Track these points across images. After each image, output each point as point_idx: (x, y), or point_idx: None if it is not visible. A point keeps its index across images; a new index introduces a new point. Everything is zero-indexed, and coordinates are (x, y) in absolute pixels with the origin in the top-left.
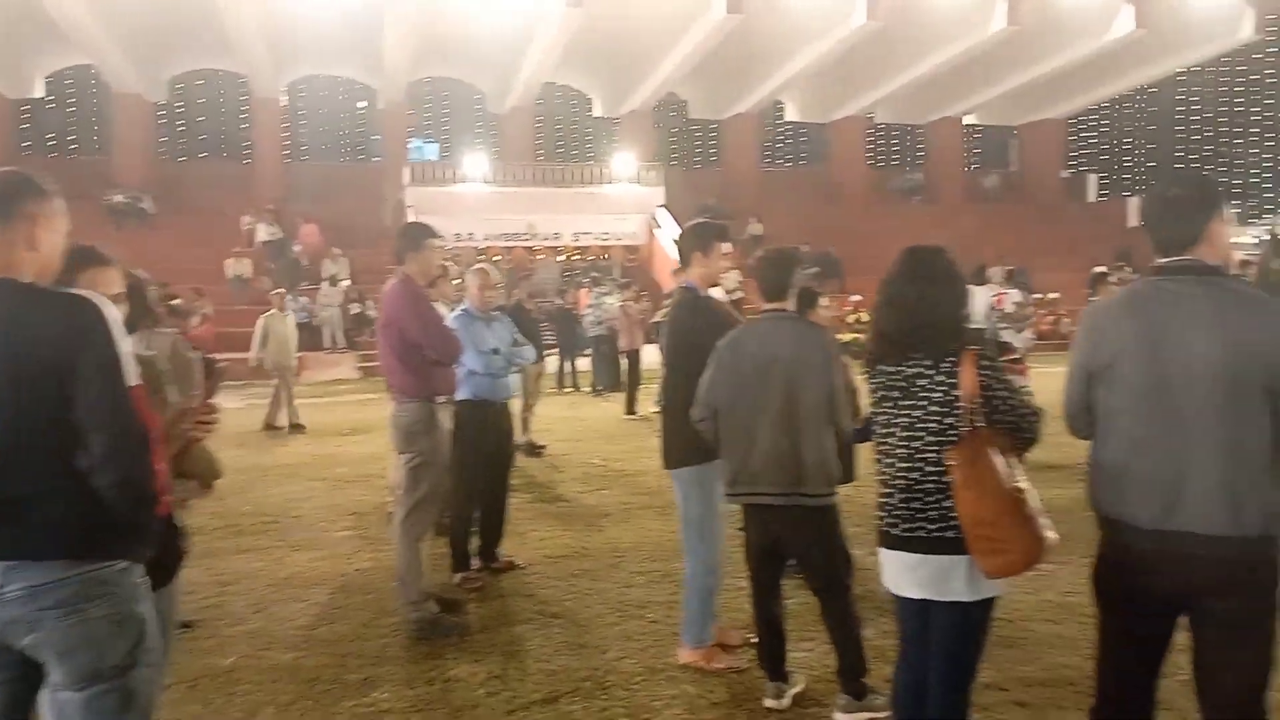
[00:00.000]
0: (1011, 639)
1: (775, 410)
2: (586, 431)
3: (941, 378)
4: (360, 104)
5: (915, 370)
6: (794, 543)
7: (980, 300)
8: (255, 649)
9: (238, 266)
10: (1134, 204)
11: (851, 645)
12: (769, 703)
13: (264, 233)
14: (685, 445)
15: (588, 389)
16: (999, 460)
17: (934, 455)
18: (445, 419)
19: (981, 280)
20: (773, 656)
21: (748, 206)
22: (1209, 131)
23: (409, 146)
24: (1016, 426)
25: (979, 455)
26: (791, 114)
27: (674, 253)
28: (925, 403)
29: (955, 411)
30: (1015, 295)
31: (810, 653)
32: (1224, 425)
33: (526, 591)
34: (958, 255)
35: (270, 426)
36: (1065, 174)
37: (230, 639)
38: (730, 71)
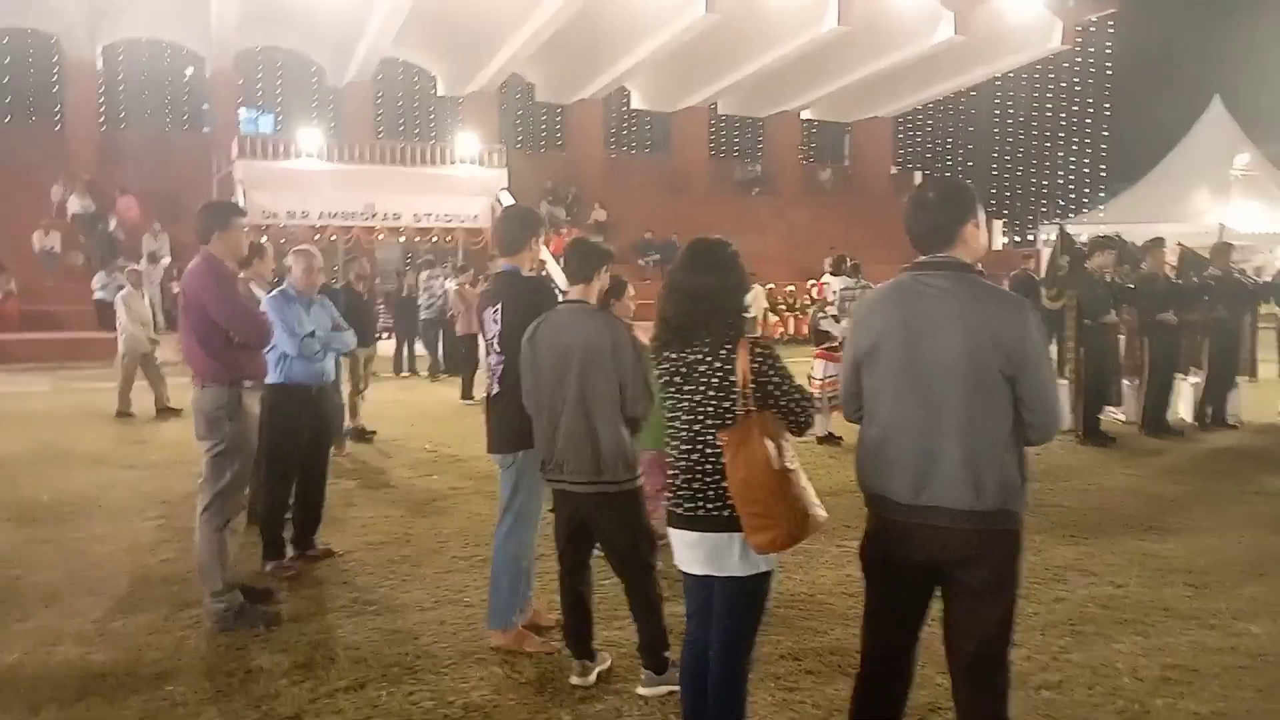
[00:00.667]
0: (810, 612)
1: (573, 399)
2: (421, 416)
3: (719, 364)
4: (188, 70)
5: (696, 356)
6: (598, 526)
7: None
8: (42, 645)
9: (46, 240)
10: None
11: (653, 622)
12: (575, 680)
13: (76, 204)
14: (510, 429)
15: (426, 373)
16: (769, 442)
17: (713, 438)
18: (253, 404)
19: (839, 271)
20: (579, 636)
21: (592, 192)
22: (1023, 134)
23: (240, 118)
24: (790, 411)
25: (749, 437)
26: (637, 101)
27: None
28: (705, 388)
29: (732, 396)
30: (835, 284)
31: (621, 631)
32: (967, 408)
33: (342, 579)
34: (807, 250)
35: (123, 414)
36: (894, 170)
37: (15, 635)
38: (576, 56)
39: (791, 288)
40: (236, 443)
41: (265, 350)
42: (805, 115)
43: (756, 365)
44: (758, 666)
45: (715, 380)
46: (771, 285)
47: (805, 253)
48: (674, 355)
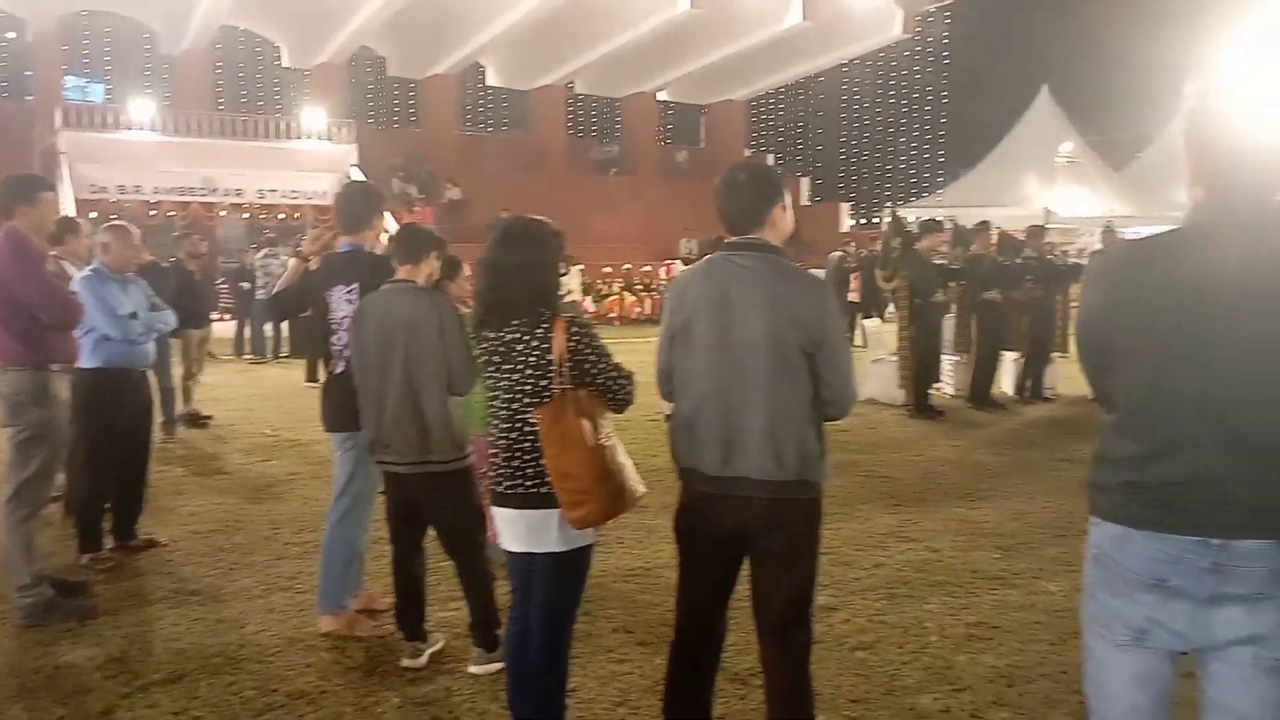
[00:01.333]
0: (647, 586)
1: (399, 379)
2: (261, 400)
3: (536, 342)
4: (8, 35)
5: (514, 335)
6: (427, 506)
7: None
8: None
9: None
10: (805, 184)
11: (484, 601)
12: (406, 662)
13: None
14: (349, 408)
15: (270, 355)
16: (584, 420)
17: (531, 416)
18: (62, 389)
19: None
20: (411, 617)
21: (447, 170)
22: (868, 120)
23: (66, 85)
24: (608, 389)
25: (563, 414)
26: (493, 78)
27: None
28: (523, 366)
29: (549, 375)
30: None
31: (456, 612)
32: (770, 382)
33: (165, 570)
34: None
35: None
36: (748, 152)
37: None
38: (429, 29)
39: (648, 268)
40: (43, 429)
41: (82, 333)
42: (661, 96)
43: (573, 344)
44: (589, 640)
45: (533, 359)
46: (629, 265)
47: (662, 233)
48: (492, 335)
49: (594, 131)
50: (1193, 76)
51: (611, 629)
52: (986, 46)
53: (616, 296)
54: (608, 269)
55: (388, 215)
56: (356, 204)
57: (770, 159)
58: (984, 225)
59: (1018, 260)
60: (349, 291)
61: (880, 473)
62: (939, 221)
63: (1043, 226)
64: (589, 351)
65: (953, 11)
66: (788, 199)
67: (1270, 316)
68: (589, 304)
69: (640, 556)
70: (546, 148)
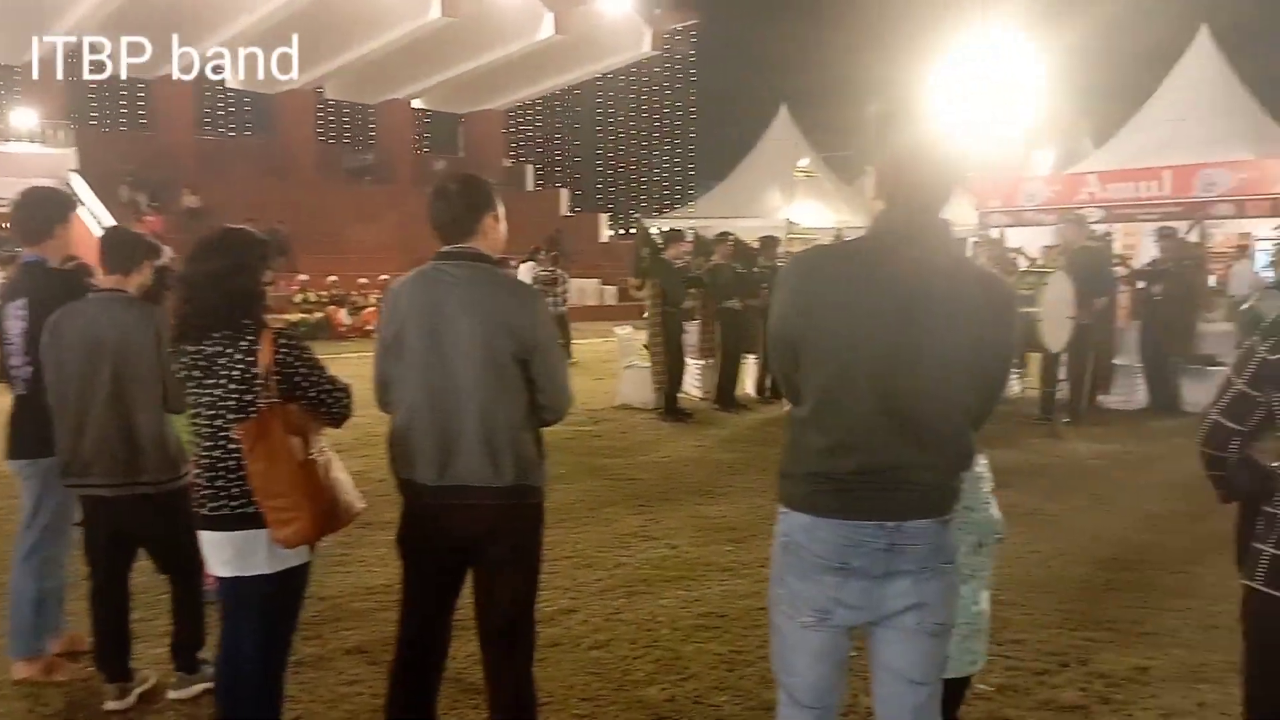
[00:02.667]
0: (386, 604)
1: (104, 396)
2: None
3: (240, 356)
4: None
5: (215, 349)
6: (139, 530)
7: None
8: None
9: None
10: (565, 195)
11: (194, 623)
12: (110, 705)
13: None
14: (35, 433)
15: None
16: (293, 435)
17: (234, 432)
18: None
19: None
20: (114, 655)
21: (183, 176)
22: (623, 133)
23: None
24: (320, 402)
25: (268, 430)
26: (233, 81)
27: (93, 223)
28: (225, 381)
29: (254, 389)
30: (524, 271)
31: (167, 649)
32: (484, 390)
33: None
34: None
35: None
36: (507, 163)
37: None
38: (157, 26)
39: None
40: None
41: None
42: (417, 104)
43: (281, 356)
44: (320, 663)
45: (236, 373)
46: (385, 276)
47: (420, 243)
48: (191, 348)
49: (346, 138)
50: (876, 97)
51: (344, 650)
52: (731, 67)
53: (374, 308)
54: (364, 280)
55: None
56: (34, 211)
57: (529, 170)
58: (724, 235)
59: (754, 269)
60: (18, 308)
61: (628, 475)
62: (681, 231)
63: (774, 237)
64: (299, 364)
65: (697, 31)
66: (500, 210)
67: (937, 317)
68: (344, 316)
69: (381, 574)
70: (295, 154)
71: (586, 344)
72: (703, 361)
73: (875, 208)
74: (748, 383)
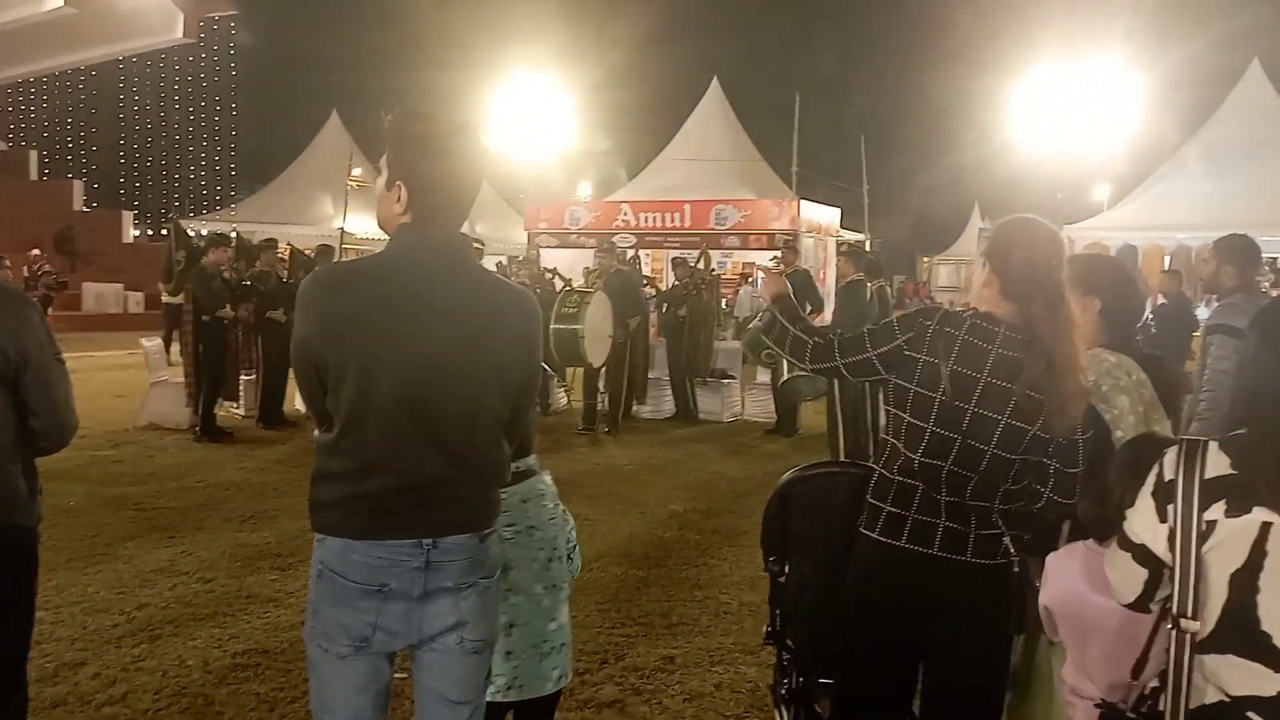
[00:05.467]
0: None
1: None
2: None
3: None
4: None
5: None
6: None
7: None
8: None
9: None
10: (79, 186)
11: None
12: None
13: None
14: None
15: None
16: None
17: None
18: None
19: None
20: None
21: None
22: (154, 125)
23: None
24: None
25: None
26: None
27: None
28: None
29: None
30: None
31: None
32: None
33: None
34: None
35: None
36: (3, 147)
37: None
38: None
39: None
40: None
41: None
42: None
43: None
44: None
45: None
46: None
47: None
48: None
49: None
50: (395, 106)
51: None
52: (279, 66)
53: None
54: None
55: None
56: None
57: (34, 156)
58: (271, 242)
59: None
60: None
61: (155, 504)
62: (226, 236)
63: (331, 246)
64: None
65: (238, 23)
66: None
67: (466, 331)
68: None
69: None
70: None
71: (107, 356)
72: (247, 375)
73: (401, 222)
74: (297, 398)
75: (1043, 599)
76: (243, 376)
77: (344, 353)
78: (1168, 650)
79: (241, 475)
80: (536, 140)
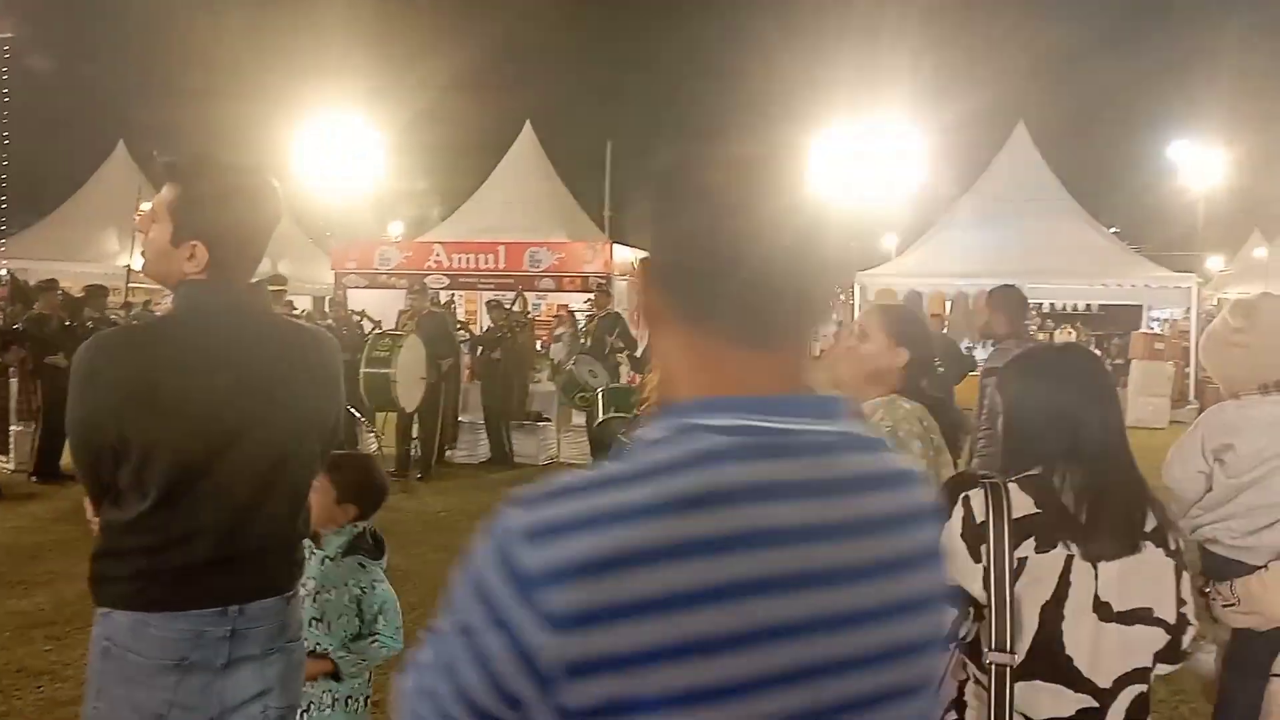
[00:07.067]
0: None
1: None
2: None
3: None
4: None
5: None
6: None
7: None
8: None
9: None
10: None
11: None
12: None
13: None
14: None
15: None
16: None
17: None
18: None
19: None
20: None
21: None
22: None
23: None
24: None
25: None
26: None
27: None
28: None
29: None
30: None
31: None
32: None
33: None
34: None
35: None
36: None
37: None
38: None
39: None
40: None
41: None
42: None
43: None
44: None
45: None
46: None
47: None
48: None
49: None
50: (167, 148)
51: None
52: (55, 93)
53: None
54: None
55: None
56: None
57: None
58: (51, 283)
59: (89, 322)
60: None
61: None
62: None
63: (103, 286)
64: None
65: (12, 48)
66: None
67: (281, 382)
68: None
69: None
70: None
71: None
72: (19, 426)
73: (194, 277)
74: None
75: None
76: (13, 427)
77: (146, 429)
78: (983, 686)
79: (10, 537)
80: (344, 177)
